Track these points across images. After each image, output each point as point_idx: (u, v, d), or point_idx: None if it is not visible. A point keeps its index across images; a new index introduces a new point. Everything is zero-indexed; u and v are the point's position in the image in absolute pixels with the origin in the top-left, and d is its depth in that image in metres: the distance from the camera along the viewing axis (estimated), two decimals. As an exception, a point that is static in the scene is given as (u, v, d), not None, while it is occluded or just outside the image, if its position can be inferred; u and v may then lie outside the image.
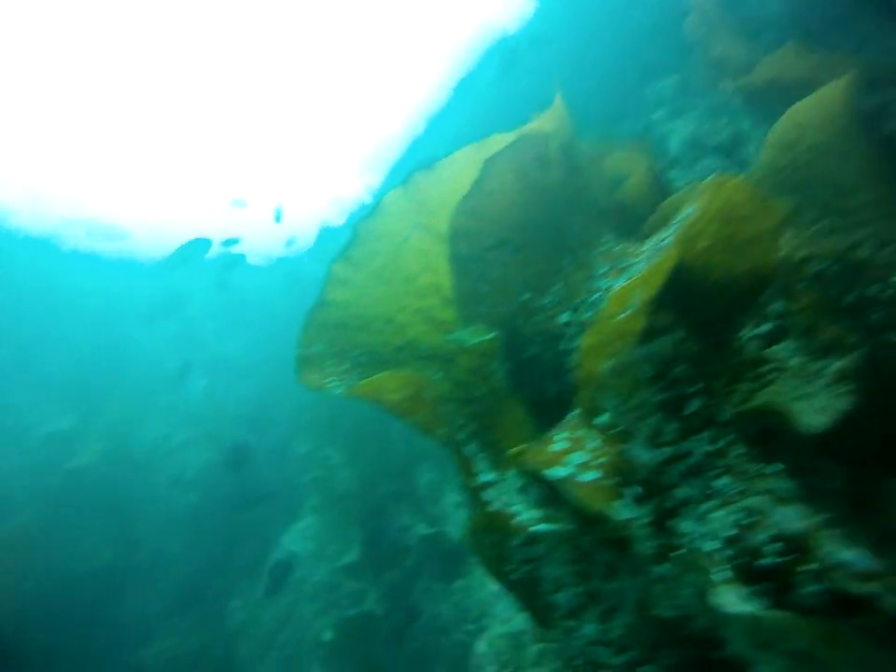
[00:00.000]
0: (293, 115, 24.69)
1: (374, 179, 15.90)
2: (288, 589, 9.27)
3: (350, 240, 2.79)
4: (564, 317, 2.77)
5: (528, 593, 2.63)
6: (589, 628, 2.00)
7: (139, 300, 12.73)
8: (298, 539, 9.59)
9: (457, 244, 3.02)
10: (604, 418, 1.70)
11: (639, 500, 1.58)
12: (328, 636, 8.11)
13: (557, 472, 1.63)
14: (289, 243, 13.06)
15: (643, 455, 1.66)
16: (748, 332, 1.99)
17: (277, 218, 9.18)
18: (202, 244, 8.29)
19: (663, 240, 2.19)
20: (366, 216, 2.82)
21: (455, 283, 2.94)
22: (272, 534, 10.57)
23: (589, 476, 1.60)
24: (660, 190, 3.41)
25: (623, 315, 1.79)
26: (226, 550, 10.57)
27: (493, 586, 6.67)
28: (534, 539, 2.29)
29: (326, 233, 14.65)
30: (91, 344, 11.81)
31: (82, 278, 13.32)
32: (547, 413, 2.73)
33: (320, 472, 9.39)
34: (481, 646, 3.78)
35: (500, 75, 9.79)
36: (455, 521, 8.68)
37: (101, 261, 14.76)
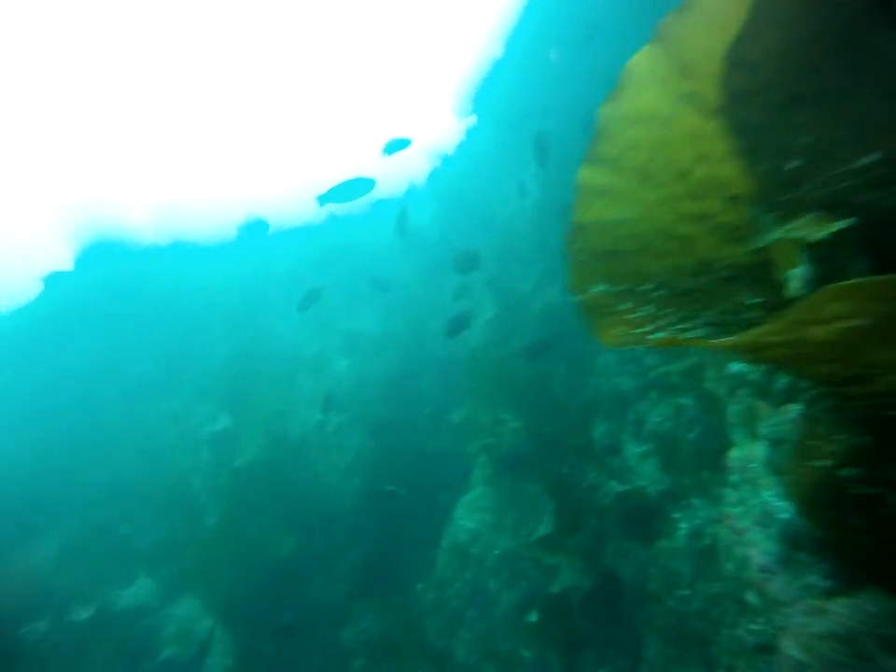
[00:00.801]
0: (372, 64, 24.26)
1: (468, 113, 14.96)
2: (471, 564, 9.08)
3: (597, 133, 2.04)
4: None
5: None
6: None
7: (272, 287, 13.02)
8: (472, 511, 9.31)
9: (735, 112, 2.17)
10: None
11: None
12: (527, 614, 7.79)
13: None
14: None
15: None
16: None
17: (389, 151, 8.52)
18: (363, 183, 7.75)
19: None
20: (609, 95, 2.07)
21: (746, 168, 2.10)
22: (443, 509, 10.44)
23: None
24: None
25: None
26: (398, 531, 10.61)
27: (719, 546, 5.87)
28: None
29: (435, 178, 13.92)
30: (230, 342, 12.21)
31: (213, 278, 13.75)
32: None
33: (487, 438, 8.98)
34: (791, 648, 3.01)
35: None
36: (644, 474, 7.90)
37: (230, 255, 15.13)
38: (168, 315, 12.82)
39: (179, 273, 13.83)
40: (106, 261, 14.42)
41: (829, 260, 1.96)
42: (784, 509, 3.57)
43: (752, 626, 4.38)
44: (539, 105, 10.91)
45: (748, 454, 4.48)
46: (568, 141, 9.83)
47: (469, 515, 9.31)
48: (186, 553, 9.42)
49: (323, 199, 8.02)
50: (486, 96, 13.97)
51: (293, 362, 11.76)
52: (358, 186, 7.80)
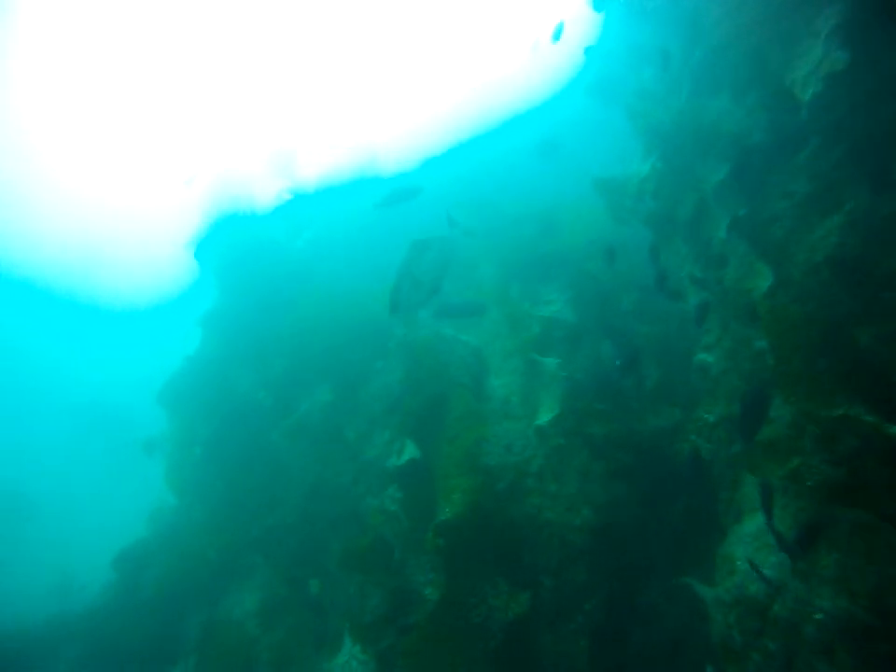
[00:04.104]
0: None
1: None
2: (774, 629, 6.64)
3: None
4: None
5: None
6: None
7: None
8: (761, 548, 6.86)
9: None
10: None
11: None
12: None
13: None
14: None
15: None
16: None
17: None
18: None
19: None
20: None
21: None
22: (702, 542, 8.16)
23: None
24: None
25: None
26: (645, 571, 8.51)
27: None
28: None
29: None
30: (402, 353, 10.78)
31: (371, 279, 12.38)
32: None
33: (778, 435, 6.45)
34: None
35: None
36: None
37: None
38: (327, 326, 11.75)
39: (333, 278, 12.77)
40: (254, 280, 13.82)
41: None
42: None
43: None
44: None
45: None
46: None
47: (758, 554, 6.87)
48: (396, 621, 8.18)
49: None
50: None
51: (478, 368, 10.03)
52: None
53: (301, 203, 15.13)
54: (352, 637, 9.03)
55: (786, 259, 7.39)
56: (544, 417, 8.77)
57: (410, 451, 9.07)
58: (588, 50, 11.79)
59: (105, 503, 33.42)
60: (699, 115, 8.41)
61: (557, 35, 9.50)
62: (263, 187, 15.72)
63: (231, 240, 14.80)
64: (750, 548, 7.13)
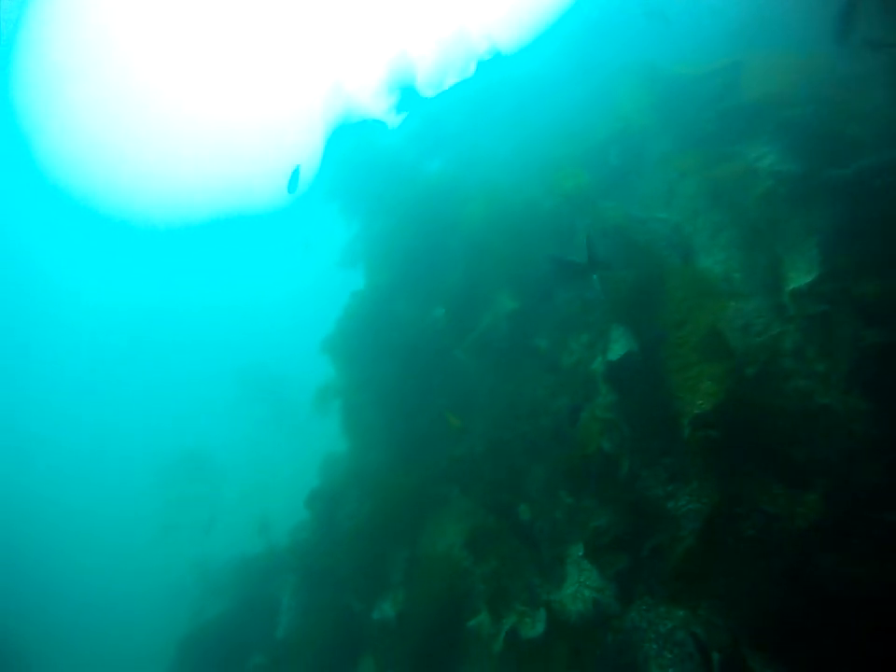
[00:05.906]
0: None
1: None
2: None
3: None
4: None
5: None
6: None
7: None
8: None
9: None
10: None
11: None
12: None
13: None
14: None
15: None
16: None
17: None
18: None
19: None
20: None
21: None
22: None
23: None
24: None
25: None
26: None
27: None
28: None
29: None
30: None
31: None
32: None
33: None
34: None
35: None
36: None
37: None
38: (498, 232, 10.52)
39: (489, 184, 11.44)
40: (401, 203, 12.84)
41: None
42: None
43: None
44: None
45: None
46: None
47: None
48: (635, 543, 7.01)
49: None
50: None
51: (685, 247, 8.37)
52: None
53: (432, 113, 13.85)
54: (579, 562, 8.02)
55: None
56: (797, 282, 6.99)
57: (623, 344, 7.68)
58: None
59: (273, 458, 35.64)
60: None
61: None
62: (385, 103, 14.58)
63: (358, 160, 13.91)
64: None
